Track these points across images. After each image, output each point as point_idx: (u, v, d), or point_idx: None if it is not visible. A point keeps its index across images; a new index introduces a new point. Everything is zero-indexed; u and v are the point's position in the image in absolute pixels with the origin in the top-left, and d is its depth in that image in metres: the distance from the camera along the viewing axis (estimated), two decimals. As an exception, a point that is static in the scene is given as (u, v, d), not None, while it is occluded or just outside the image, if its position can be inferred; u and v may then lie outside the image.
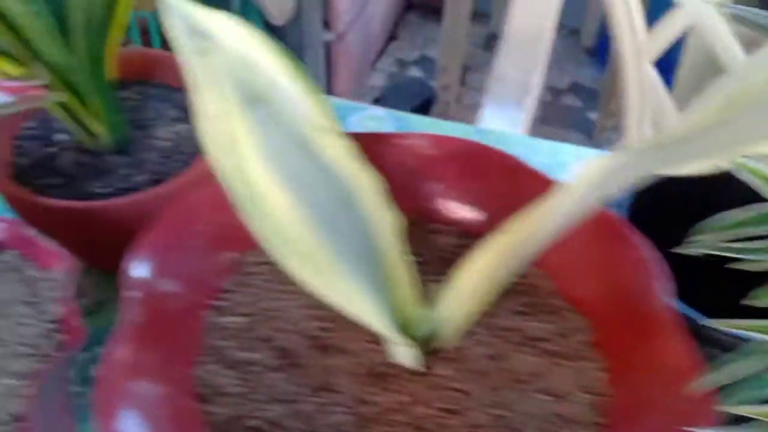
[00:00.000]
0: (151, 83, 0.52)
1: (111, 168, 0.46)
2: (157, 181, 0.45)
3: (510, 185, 0.36)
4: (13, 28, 0.40)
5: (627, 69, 1.04)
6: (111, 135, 0.46)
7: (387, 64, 2.16)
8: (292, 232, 0.23)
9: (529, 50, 0.83)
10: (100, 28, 0.42)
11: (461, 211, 0.37)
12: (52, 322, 0.34)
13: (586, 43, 2.24)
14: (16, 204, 0.44)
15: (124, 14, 0.43)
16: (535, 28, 0.85)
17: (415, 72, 2.17)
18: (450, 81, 1.96)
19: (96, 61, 0.42)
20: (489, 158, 0.37)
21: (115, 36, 0.44)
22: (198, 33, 0.31)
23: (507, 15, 0.86)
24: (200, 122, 0.31)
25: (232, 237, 0.36)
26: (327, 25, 1.73)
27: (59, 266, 0.36)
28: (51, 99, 0.30)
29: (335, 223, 0.25)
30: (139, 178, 0.45)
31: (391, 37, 2.26)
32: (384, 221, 0.27)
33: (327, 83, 1.72)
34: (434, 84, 2.08)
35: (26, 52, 0.41)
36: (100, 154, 0.46)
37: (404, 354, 0.31)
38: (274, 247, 0.24)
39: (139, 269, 0.32)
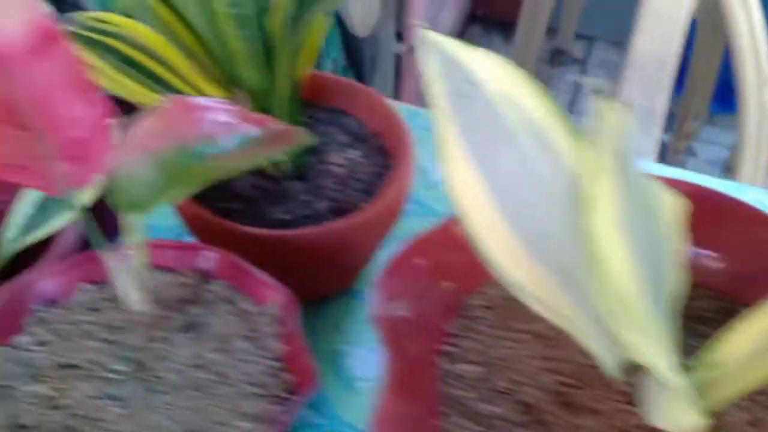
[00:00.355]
0: (318, 106, 0.51)
1: (290, 194, 0.45)
2: (337, 209, 0.44)
3: (753, 236, 0.34)
4: (211, 52, 0.40)
5: (747, 95, 1.01)
6: (292, 160, 0.45)
7: (450, 76, 2.14)
8: (630, 299, 0.22)
9: (654, 76, 0.81)
10: (298, 52, 0.41)
11: (695, 260, 0.36)
12: (276, 359, 0.33)
13: (653, 62, 2.20)
14: (197, 227, 0.43)
15: (319, 37, 0.42)
16: (660, 53, 0.83)
17: (478, 85, 2.14)
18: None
19: (295, 85, 0.41)
20: (727, 206, 0.35)
21: (309, 59, 0.43)
22: (456, 71, 0.30)
23: (632, 39, 0.84)
24: (447, 166, 0.30)
25: (457, 276, 0.35)
26: (399, 36, 1.73)
27: (273, 299, 0.35)
28: (302, 140, 0.29)
29: (657, 286, 0.23)
30: (319, 205, 0.44)
31: (455, 49, 2.23)
32: (678, 280, 0.26)
33: (394, 94, 1.72)
34: (499, 98, 2.05)
35: (226, 77, 0.40)
36: (278, 178, 0.45)
37: (668, 417, 0.29)
38: (607, 311, 0.22)
39: (384, 308, 0.31)
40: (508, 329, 0.33)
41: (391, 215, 0.44)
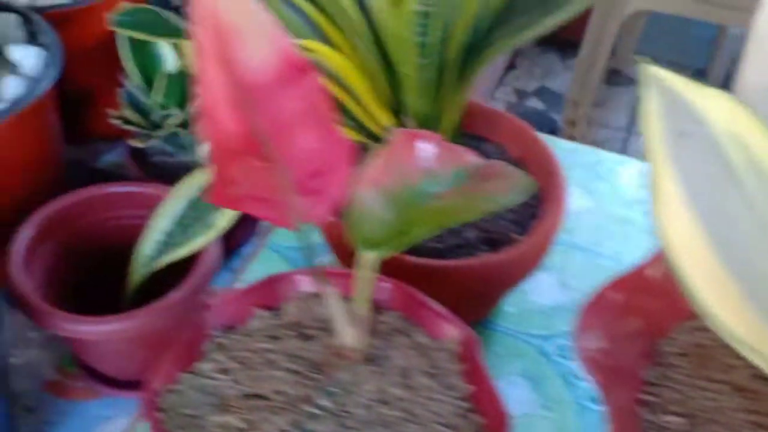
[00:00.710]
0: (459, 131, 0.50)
1: (440, 221, 0.44)
2: (487, 239, 0.43)
3: None
4: (375, 77, 0.39)
5: None
6: (443, 187, 0.44)
7: (505, 93, 2.13)
8: None
9: (763, 105, 0.79)
10: (468, 81, 0.40)
11: None
12: (463, 399, 0.32)
13: (713, 86, 2.15)
14: (347, 252, 0.42)
15: (486, 67, 0.41)
16: (766, 85, 0.80)
17: (534, 103, 2.13)
18: (578, 116, 1.92)
19: (460, 114, 0.40)
20: None
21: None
22: (679, 109, 0.29)
23: (740, 66, 0.81)
24: (659, 205, 0.29)
25: (648, 320, 0.33)
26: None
27: (452, 334, 0.34)
28: (526, 185, 0.28)
29: None
30: (469, 235, 0.43)
31: (510, 66, 2.23)
32: None
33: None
34: (555, 117, 2.03)
35: (394, 102, 0.40)
36: (426, 205, 0.45)
37: None
38: None
39: (586, 345, 0.30)
40: (705, 379, 0.32)
41: (545, 248, 0.43)
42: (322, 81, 0.24)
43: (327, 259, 0.53)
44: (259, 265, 0.52)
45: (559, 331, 0.48)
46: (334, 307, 0.30)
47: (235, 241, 0.56)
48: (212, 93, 0.23)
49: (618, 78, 2.21)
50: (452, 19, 0.34)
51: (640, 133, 1.89)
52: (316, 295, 0.36)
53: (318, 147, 0.25)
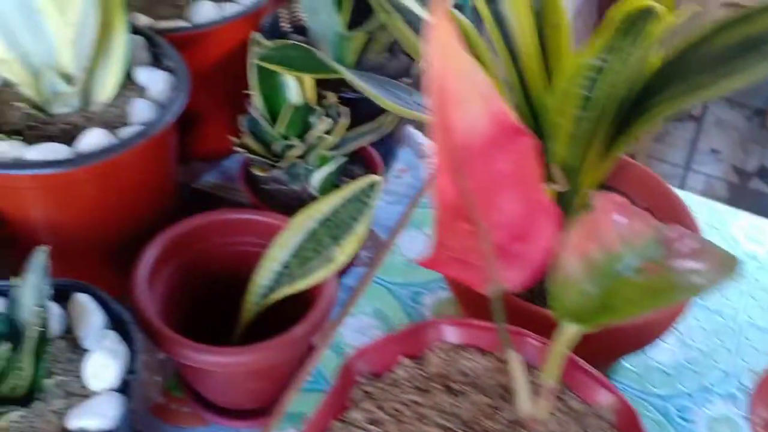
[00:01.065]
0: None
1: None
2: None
3: None
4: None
5: None
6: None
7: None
8: None
9: None
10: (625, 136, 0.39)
11: None
12: (623, 471, 0.31)
13: (774, 125, 2.11)
14: (472, 299, 0.42)
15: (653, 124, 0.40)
16: None
17: (590, 134, 2.10)
18: (637, 150, 1.90)
19: (609, 168, 0.40)
20: None
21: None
22: None
23: None
24: None
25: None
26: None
27: (607, 402, 0.33)
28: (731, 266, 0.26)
29: None
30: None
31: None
32: None
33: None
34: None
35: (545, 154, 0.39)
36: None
37: None
38: None
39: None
40: None
41: (683, 307, 0.42)
42: (533, 144, 0.24)
43: (432, 298, 0.52)
44: (367, 299, 0.52)
45: (680, 391, 0.46)
46: (517, 374, 0.29)
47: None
48: (438, 157, 0.22)
49: (677, 113, 2.18)
50: (620, 74, 0.33)
51: (695, 170, 1.86)
52: (460, 347, 0.35)
53: (523, 211, 0.24)
